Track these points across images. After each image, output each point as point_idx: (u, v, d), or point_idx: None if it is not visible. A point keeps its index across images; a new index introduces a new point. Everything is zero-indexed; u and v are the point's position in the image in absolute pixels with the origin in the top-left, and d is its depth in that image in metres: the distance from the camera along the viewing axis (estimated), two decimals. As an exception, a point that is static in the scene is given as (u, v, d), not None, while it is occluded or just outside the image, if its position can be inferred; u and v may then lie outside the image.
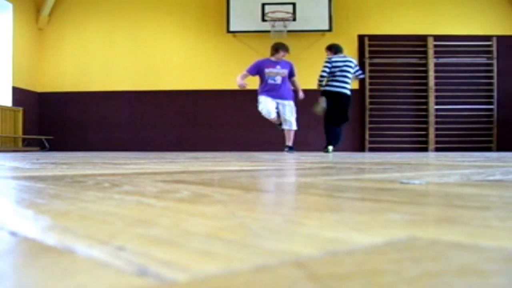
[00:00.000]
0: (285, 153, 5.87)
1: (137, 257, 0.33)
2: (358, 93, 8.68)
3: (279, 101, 6.02)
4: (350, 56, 6.34)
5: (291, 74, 6.10)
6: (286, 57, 6.12)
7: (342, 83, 6.02)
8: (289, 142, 6.14)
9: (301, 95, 6.18)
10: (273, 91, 5.98)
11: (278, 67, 6.03)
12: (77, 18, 9.11)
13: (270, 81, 5.98)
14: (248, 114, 8.21)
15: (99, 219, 0.51)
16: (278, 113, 6.10)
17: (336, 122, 6.08)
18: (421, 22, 8.78)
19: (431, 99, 8.64)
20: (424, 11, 8.81)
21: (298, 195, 0.77)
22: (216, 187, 0.94)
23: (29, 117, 8.78)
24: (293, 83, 6.20)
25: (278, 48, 6.03)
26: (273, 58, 6.06)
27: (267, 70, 5.97)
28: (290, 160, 2.82)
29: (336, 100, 6.02)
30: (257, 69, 6.02)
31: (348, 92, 6.05)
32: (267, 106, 5.97)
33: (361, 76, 6.29)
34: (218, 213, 0.55)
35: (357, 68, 6.20)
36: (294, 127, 6.13)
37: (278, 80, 6.02)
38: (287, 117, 6.05)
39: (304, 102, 6.14)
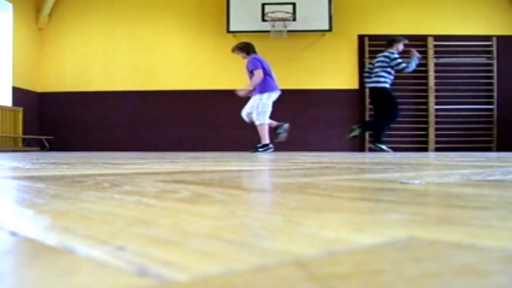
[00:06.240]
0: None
1: (137, 257, 0.33)
2: (358, 93, 8.69)
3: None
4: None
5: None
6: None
7: None
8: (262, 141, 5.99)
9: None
10: None
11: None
12: (77, 18, 9.11)
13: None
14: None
15: (99, 219, 0.51)
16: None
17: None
18: (421, 22, 8.78)
19: (431, 99, 8.64)
20: (424, 11, 8.81)
21: (298, 195, 0.77)
22: (216, 187, 0.93)
23: (29, 117, 8.78)
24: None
25: (244, 48, 6.05)
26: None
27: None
28: (289, 160, 2.82)
29: None
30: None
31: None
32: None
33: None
34: (218, 213, 0.55)
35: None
36: (256, 121, 5.98)
37: None
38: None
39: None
